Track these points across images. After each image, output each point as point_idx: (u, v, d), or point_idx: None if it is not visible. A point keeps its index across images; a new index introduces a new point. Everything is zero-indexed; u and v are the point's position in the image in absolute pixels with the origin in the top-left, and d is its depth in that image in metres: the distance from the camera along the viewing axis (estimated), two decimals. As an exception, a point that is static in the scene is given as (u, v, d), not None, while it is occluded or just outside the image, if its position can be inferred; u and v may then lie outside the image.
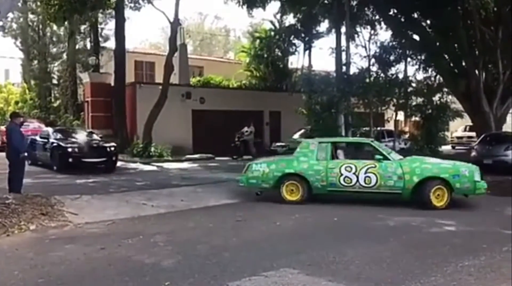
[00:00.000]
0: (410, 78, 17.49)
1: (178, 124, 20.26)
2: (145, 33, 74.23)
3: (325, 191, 8.63)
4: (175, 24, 19.40)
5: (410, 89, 17.40)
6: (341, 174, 8.40)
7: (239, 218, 7.34)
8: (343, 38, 16.70)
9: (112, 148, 14.10)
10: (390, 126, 19.43)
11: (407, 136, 19.05)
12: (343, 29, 16.89)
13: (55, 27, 29.48)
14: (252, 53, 27.21)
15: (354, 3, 17.94)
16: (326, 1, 19.01)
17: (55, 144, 13.67)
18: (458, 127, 25.91)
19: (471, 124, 22.68)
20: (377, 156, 8.44)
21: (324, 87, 15.63)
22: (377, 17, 18.79)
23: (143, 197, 9.19)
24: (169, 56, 19.52)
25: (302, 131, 18.95)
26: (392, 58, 16.57)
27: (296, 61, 27.88)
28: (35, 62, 31.57)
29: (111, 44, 25.84)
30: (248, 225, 7.02)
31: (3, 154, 9.13)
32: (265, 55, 26.47)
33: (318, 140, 9.31)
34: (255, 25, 33.54)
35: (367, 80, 16.20)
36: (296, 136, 19.41)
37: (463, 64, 17.54)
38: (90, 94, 22.21)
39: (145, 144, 17.85)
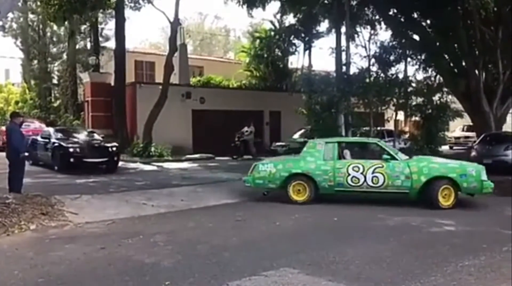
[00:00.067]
0: (410, 78, 17.47)
1: (178, 124, 20.26)
2: (145, 33, 74.23)
3: (332, 191, 8.62)
4: (175, 24, 19.41)
5: (410, 89, 17.37)
6: (349, 174, 8.41)
7: (239, 218, 7.35)
8: (343, 38, 16.70)
9: (114, 148, 14.00)
10: (390, 126, 19.43)
11: (407, 136, 19.03)
12: (343, 29, 16.89)
13: (55, 27, 29.51)
14: (252, 53, 27.21)
15: (354, 3, 17.93)
16: (326, 1, 19.01)
17: (56, 144, 13.59)
18: (457, 127, 25.88)
19: (468, 124, 22.74)
20: (385, 156, 8.46)
21: (324, 87, 15.63)
22: (377, 17, 18.78)
23: (143, 196, 9.20)
24: (169, 56, 19.53)
25: (302, 131, 18.97)
26: (392, 58, 16.55)
27: (296, 61, 27.94)
28: (35, 62, 31.56)
29: (111, 44, 25.92)
30: (248, 225, 7.03)
31: (4, 153, 9.14)
32: (265, 55, 26.47)
33: (325, 140, 9.30)
34: (255, 25, 33.57)
35: (367, 80, 16.18)
36: (296, 136, 19.44)
37: (463, 64, 17.53)
38: (90, 94, 22.21)
39: (145, 144, 17.86)
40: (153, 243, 5.75)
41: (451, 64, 17.91)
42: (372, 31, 18.25)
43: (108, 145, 14.14)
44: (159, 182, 11.51)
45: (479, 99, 16.47)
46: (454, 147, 24.56)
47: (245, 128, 19.26)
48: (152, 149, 17.70)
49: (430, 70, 17.82)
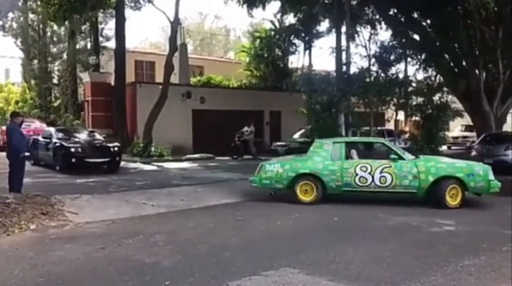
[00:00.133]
0: (410, 77, 17.50)
1: (178, 124, 20.27)
2: (145, 32, 74.41)
3: (340, 191, 8.61)
4: (175, 24, 19.41)
5: (410, 88, 17.39)
6: (356, 174, 8.40)
7: (239, 218, 7.35)
8: (343, 37, 16.71)
9: (116, 148, 13.88)
10: (390, 125, 19.44)
11: (407, 135, 19.06)
12: (343, 29, 16.90)
13: (55, 27, 29.54)
14: (252, 52, 27.22)
15: (354, 2, 17.94)
16: (326, 1, 19.02)
17: (57, 144, 13.48)
18: (456, 127, 25.80)
19: (467, 123, 22.73)
20: (392, 156, 8.47)
21: (324, 86, 15.63)
22: (377, 16, 18.80)
23: (143, 196, 9.19)
24: (169, 55, 19.53)
25: (302, 130, 18.97)
26: (392, 57, 16.57)
27: (296, 60, 27.96)
28: (36, 61, 31.57)
29: (111, 43, 25.93)
30: (248, 224, 7.03)
31: (4, 153, 9.14)
32: (265, 55, 26.49)
33: (332, 140, 9.32)
34: (255, 25, 33.62)
35: (367, 79, 16.20)
36: (296, 135, 19.45)
37: (463, 64, 17.55)
38: (91, 94, 22.21)
39: (145, 144, 17.86)
40: (153, 243, 5.75)
41: (451, 64, 17.92)
42: (372, 31, 18.31)
43: (110, 145, 14.02)
44: (159, 182, 11.50)
45: (479, 99, 16.47)
46: (452, 147, 24.46)
47: (245, 128, 19.25)
48: (152, 149, 17.70)
49: (430, 70, 17.84)
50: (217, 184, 11.33)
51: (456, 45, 17.39)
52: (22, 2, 24.39)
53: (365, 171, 8.38)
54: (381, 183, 8.33)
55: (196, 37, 47.93)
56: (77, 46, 28.34)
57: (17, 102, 32.48)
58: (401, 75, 16.83)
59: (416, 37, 18.07)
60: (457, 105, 17.91)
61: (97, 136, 15.41)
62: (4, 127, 16.51)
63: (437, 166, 8.35)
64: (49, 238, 6.02)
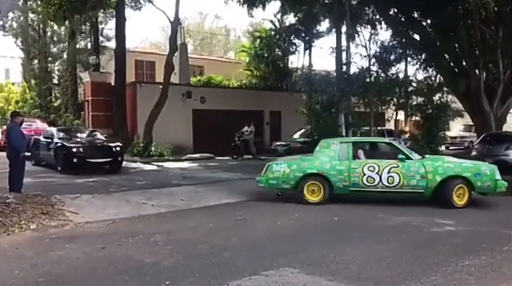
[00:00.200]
0: (411, 77, 17.54)
1: (178, 124, 20.26)
2: (145, 32, 74.48)
3: (347, 191, 8.59)
4: (176, 24, 19.41)
5: (410, 88, 17.42)
6: (364, 174, 8.39)
7: (239, 218, 7.35)
8: (343, 37, 16.73)
9: (118, 148, 13.76)
10: (390, 125, 19.45)
11: (407, 135, 19.08)
12: (343, 29, 16.91)
13: (55, 27, 29.53)
14: (253, 52, 27.20)
15: (355, 2, 17.95)
16: (326, 1, 19.03)
17: (59, 144, 13.37)
18: (456, 127, 25.66)
19: (466, 123, 22.68)
20: (400, 156, 8.46)
21: (324, 86, 15.64)
22: (377, 16, 18.81)
23: (143, 196, 9.19)
24: (169, 55, 19.53)
25: (302, 130, 18.97)
26: (392, 57, 16.59)
27: (297, 60, 27.93)
28: (36, 61, 31.58)
29: (111, 43, 25.91)
30: (248, 224, 7.02)
31: (4, 153, 9.14)
32: (266, 55, 26.47)
33: (339, 140, 9.35)
34: (256, 25, 33.60)
35: (368, 79, 16.21)
36: (296, 135, 19.45)
37: (464, 63, 17.55)
38: (91, 94, 22.20)
39: (146, 144, 17.86)
40: (153, 243, 5.75)
41: (452, 64, 17.92)
42: (373, 31, 18.33)
43: (112, 145, 13.91)
44: (159, 182, 11.50)
45: (480, 98, 16.47)
46: (450, 147, 24.26)
47: (245, 128, 19.25)
48: (153, 148, 17.70)
49: (430, 69, 17.87)
50: (217, 184, 11.33)
51: (456, 45, 17.39)
52: (22, 2, 24.35)
53: (372, 171, 8.36)
54: (388, 183, 8.32)
55: (196, 37, 47.94)
56: (77, 46, 28.31)
57: (17, 102, 32.51)
58: (401, 75, 16.87)
59: (416, 37, 18.07)
60: (457, 105, 17.91)
61: (99, 136, 15.34)
62: (4, 127, 16.50)
63: (444, 166, 8.36)
64: (49, 238, 6.02)
